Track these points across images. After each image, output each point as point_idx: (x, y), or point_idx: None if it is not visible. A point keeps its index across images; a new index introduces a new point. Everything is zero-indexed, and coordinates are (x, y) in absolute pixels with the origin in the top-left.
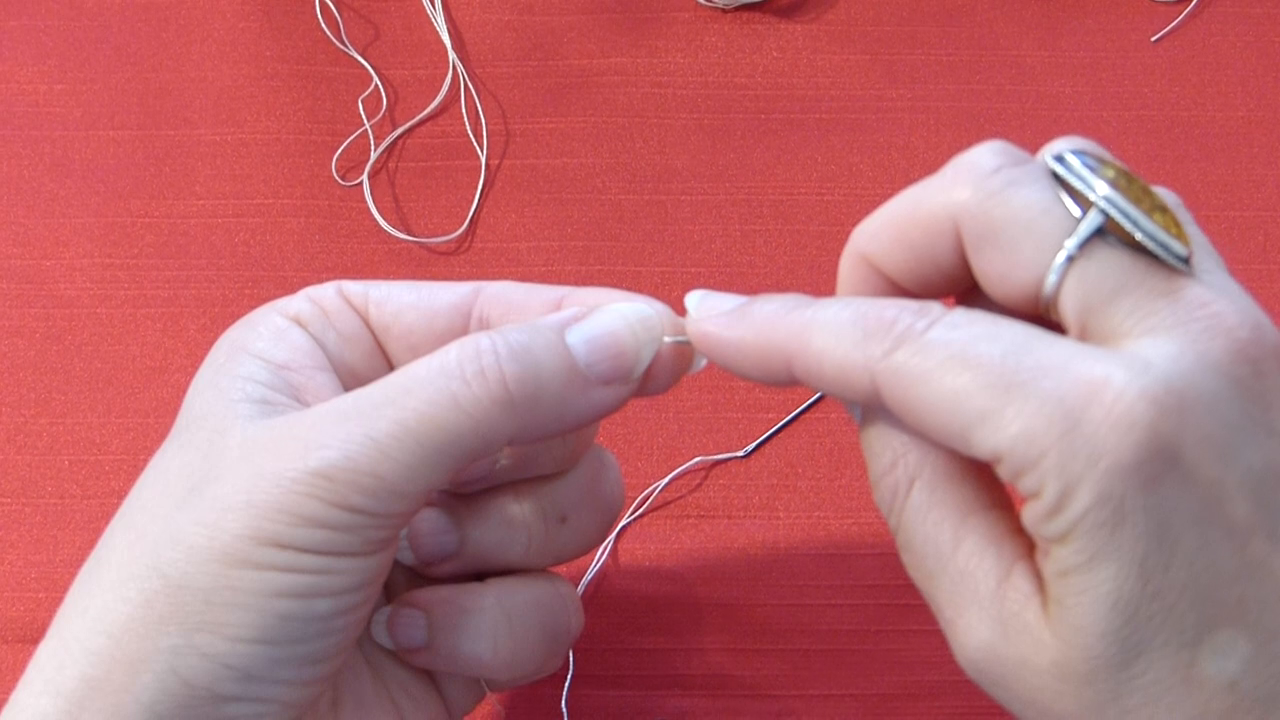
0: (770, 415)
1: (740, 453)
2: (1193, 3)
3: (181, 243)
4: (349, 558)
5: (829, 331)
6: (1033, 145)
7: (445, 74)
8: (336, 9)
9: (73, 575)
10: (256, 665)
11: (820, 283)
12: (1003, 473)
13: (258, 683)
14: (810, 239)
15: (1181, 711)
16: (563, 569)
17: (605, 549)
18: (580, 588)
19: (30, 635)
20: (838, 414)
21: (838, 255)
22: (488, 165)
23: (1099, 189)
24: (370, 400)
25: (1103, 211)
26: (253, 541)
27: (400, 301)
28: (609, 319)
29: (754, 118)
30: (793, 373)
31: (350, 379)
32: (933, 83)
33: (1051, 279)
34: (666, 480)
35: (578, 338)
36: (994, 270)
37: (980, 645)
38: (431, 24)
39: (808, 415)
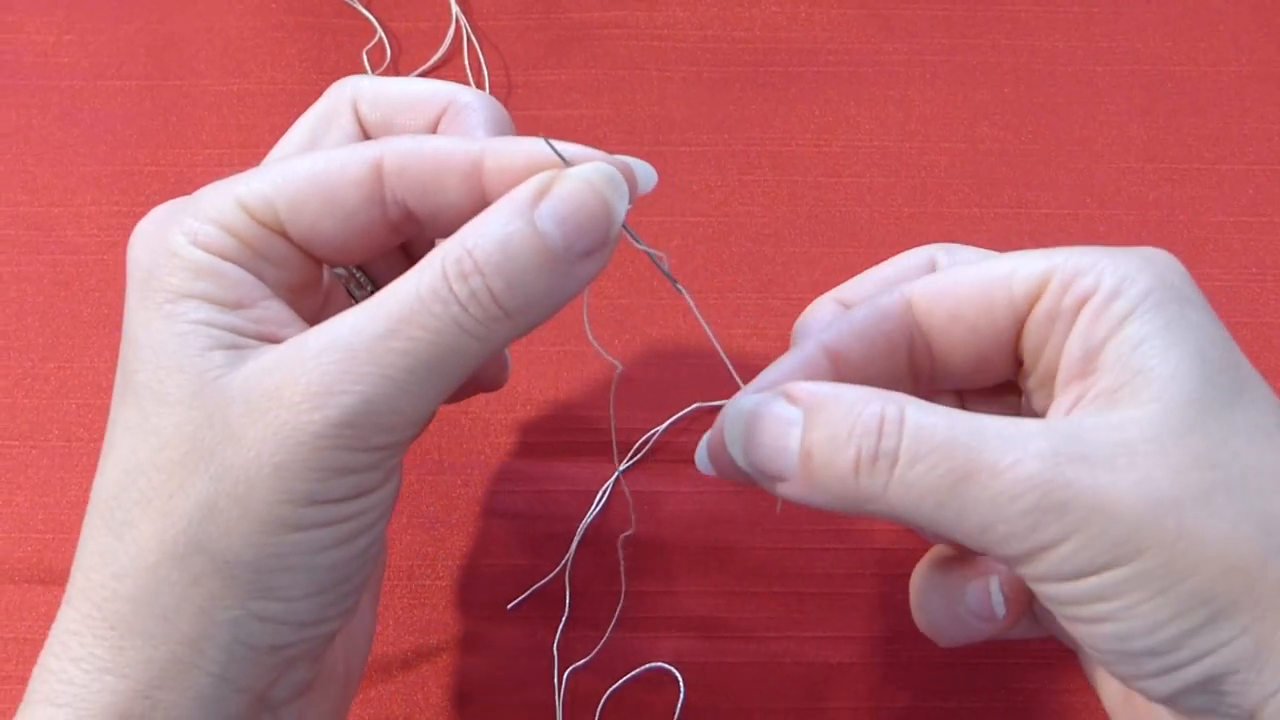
0: (767, 362)
1: None
2: None
3: (187, 191)
4: (377, 492)
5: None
6: (1027, 99)
7: (448, 26)
8: None
9: (79, 517)
10: (311, 613)
11: (817, 232)
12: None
13: (312, 626)
14: (807, 189)
15: (1276, 458)
16: (560, 513)
17: (604, 493)
18: (579, 531)
19: (38, 576)
20: None
21: (834, 205)
22: None
23: None
24: (370, 333)
25: None
26: (289, 505)
27: (302, 197)
28: (576, 191)
29: (752, 70)
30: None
31: (291, 296)
32: (928, 36)
33: None
34: (665, 425)
35: (550, 222)
36: None
37: (1071, 427)
38: None
39: None
